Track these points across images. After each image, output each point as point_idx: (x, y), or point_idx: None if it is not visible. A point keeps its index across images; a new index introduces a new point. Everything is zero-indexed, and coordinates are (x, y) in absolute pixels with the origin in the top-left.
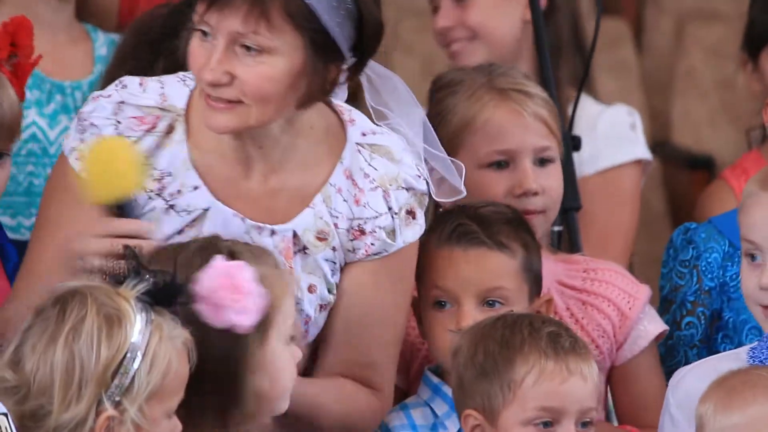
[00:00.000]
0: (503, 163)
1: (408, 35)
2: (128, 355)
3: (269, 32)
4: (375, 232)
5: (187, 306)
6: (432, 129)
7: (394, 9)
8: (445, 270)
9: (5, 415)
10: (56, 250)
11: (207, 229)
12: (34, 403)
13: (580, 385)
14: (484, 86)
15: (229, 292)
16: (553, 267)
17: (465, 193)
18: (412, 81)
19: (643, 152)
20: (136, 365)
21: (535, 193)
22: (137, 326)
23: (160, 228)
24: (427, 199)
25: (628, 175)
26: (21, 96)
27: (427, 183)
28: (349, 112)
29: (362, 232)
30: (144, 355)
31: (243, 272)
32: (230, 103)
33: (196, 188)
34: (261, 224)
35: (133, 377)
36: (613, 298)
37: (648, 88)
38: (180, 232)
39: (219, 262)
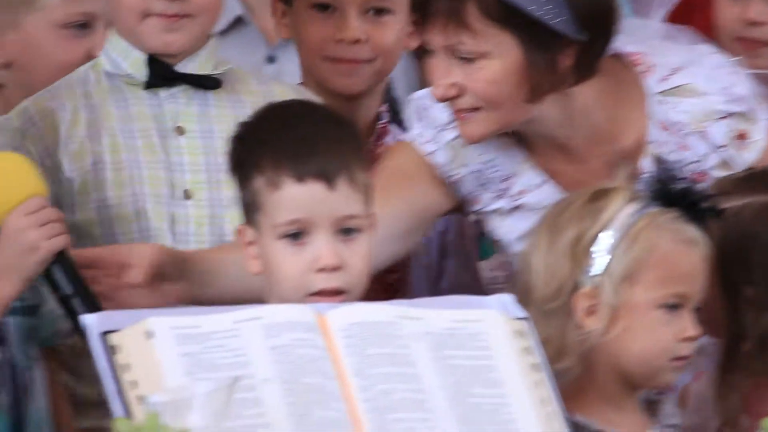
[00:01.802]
0: None
1: None
2: (605, 232)
3: (474, 39)
4: (710, 173)
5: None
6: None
7: None
8: None
9: (526, 319)
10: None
11: None
12: (522, 280)
13: None
14: None
15: None
16: None
17: None
18: None
19: None
20: (611, 242)
21: None
22: (622, 208)
23: (506, 226)
24: (757, 111)
25: None
26: None
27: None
28: (646, 56)
29: (703, 173)
30: (623, 236)
31: None
32: (471, 111)
33: (541, 185)
34: None
35: (610, 256)
36: None
37: None
38: None
39: None
